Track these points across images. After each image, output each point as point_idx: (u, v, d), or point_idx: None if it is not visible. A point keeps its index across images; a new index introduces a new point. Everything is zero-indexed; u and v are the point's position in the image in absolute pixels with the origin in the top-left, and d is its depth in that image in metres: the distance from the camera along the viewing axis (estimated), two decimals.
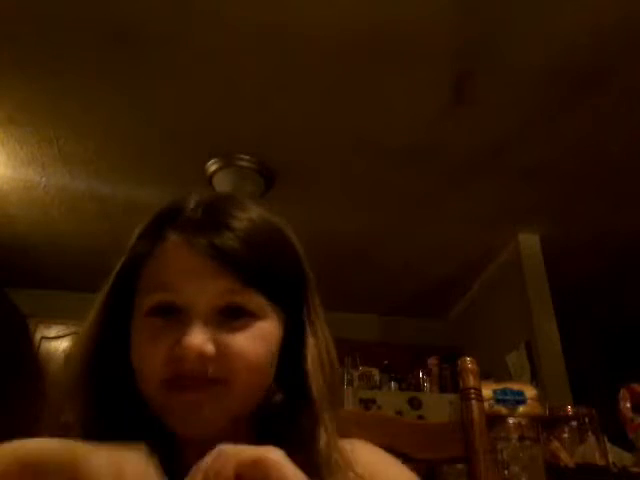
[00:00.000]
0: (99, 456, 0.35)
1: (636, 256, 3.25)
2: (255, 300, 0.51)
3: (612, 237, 3.15)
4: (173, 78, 2.21)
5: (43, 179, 2.78)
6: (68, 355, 0.55)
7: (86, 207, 3.01)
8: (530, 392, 1.48)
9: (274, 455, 0.35)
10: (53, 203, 2.98)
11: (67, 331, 3.46)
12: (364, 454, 0.54)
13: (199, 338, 0.47)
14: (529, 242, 3.19)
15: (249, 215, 0.54)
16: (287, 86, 2.24)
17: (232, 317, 0.50)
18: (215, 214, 0.53)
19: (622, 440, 1.50)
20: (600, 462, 1.29)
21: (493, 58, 2.09)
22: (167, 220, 0.53)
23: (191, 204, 0.54)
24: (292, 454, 0.45)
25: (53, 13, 1.93)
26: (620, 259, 3.35)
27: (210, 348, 0.48)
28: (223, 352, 0.48)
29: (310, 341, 0.55)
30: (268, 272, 0.52)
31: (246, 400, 0.51)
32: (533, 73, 2.16)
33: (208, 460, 0.35)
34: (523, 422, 1.29)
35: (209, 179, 2.71)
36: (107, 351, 0.53)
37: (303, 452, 0.47)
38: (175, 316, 0.49)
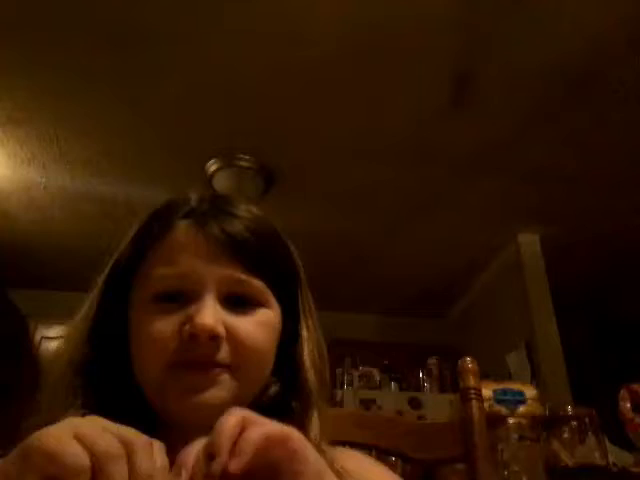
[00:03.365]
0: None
1: (636, 256, 3.25)
2: (259, 288, 0.52)
3: (612, 237, 3.15)
4: (173, 78, 2.21)
5: (43, 179, 2.78)
6: (56, 352, 0.55)
7: (86, 207, 3.01)
8: (530, 392, 1.48)
9: (299, 436, 0.36)
10: (53, 203, 2.98)
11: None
12: (351, 461, 0.54)
13: (212, 318, 0.47)
14: (529, 242, 3.19)
15: (250, 208, 0.57)
16: (287, 86, 2.24)
17: (238, 303, 0.51)
18: (221, 205, 0.55)
19: (622, 440, 1.50)
20: (600, 462, 1.29)
21: (493, 58, 2.10)
22: (173, 211, 0.54)
23: (194, 198, 0.56)
24: None
25: (53, 13, 1.93)
26: (620, 259, 3.35)
27: (222, 329, 0.48)
28: (231, 335, 0.49)
29: (304, 334, 0.56)
30: (270, 261, 0.53)
31: (248, 388, 0.51)
32: (533, 73, 2.16)
33: (229, 423, 0.34)
34: (523, 422, 1.30)
35: (209, 179, 2.71)
36: (98, 344, 0.52)
37: None
38: (183, 301, 0.50)
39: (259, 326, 0.51)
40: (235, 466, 0.32)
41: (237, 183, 2.70)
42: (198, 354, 0.47)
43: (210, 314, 0.47)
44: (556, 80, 2.19)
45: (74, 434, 0.33)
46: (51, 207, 3.01)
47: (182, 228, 0.52)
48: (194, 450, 0.35)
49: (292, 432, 0.35)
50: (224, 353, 0.48)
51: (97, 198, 2.92)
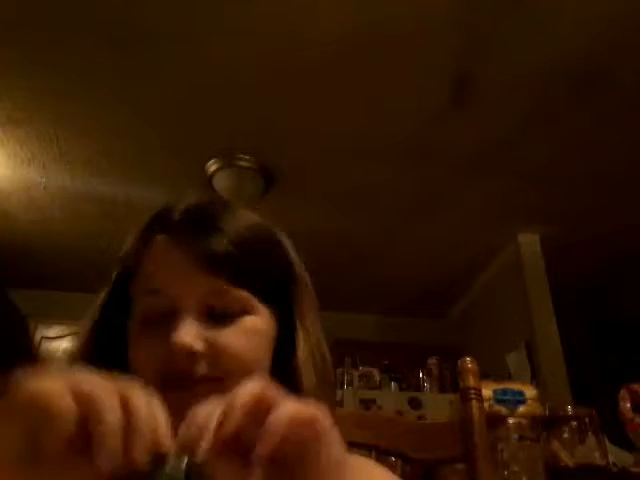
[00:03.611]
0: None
1: (636, 256, 3.25)
2: (242, 297, 0.51)
3: (612, 237, 3.15)
4: (173, 78, 2.21)
5: (43, 179, 2.78)
6: (69, 355, 0.55)
7: (86, 207, 3.01)
8: (530, 392, 1.48)
9: (326, 418, 0.35)
10: (53, 203, 2.98)
11: (67, 331, 3.46)
12: (355, 462, 0.54)
13: (189, 335, 0.47)
14: (529, 242, 3.19)
15: (235, 217, 0.55)
16: (287, 86, 2.24)
17: (220, 315, 0.50)
18: (202, 216, 0.54)
19: (622, 440, 1.50)
20: (600, 462, 1.29)
21: (493, 58, 2.10)
22: (156, 224, 0.54)
23: (180, 207, 0.55)
24: None
25: (53, 13, 1.93)
26: (620, 259, 3.35)
27: (199, 345, 0.48)
28: (212, 349, 0.48)
29: (300, 336, 0.55)
30: (254, 271, 0.52)
31: None
32: (533, 73, 2.16)
33: (246, 392, 0.34)
34: (523, 422, 1.30)
35: (209, 179, 2.71)
36: (104, 351, 0.53)
37: None
38: (167, 321, 0.49)
39: (243, 334, 0.50)
40: (261, 452, 0.32)
41: (237, 183, 2.70)
42: (178, 371, 0.47)
43: (186, 332, 0.47)
44: (556, 80, 2.19)
45: (67, 384, 0.32)
46: (51, 207, 3.01)
47: (159, 243, 0.52)
48: (206, 410, 0.34)
49: (319, 413, 0.34)
50: (204, 368, 0.48)
51: (97, 198, 2.92)
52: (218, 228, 0.52)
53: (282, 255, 0.58)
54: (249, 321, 0.51)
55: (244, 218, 0.56)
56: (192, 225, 0.53)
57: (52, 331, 3.53)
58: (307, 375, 0.53)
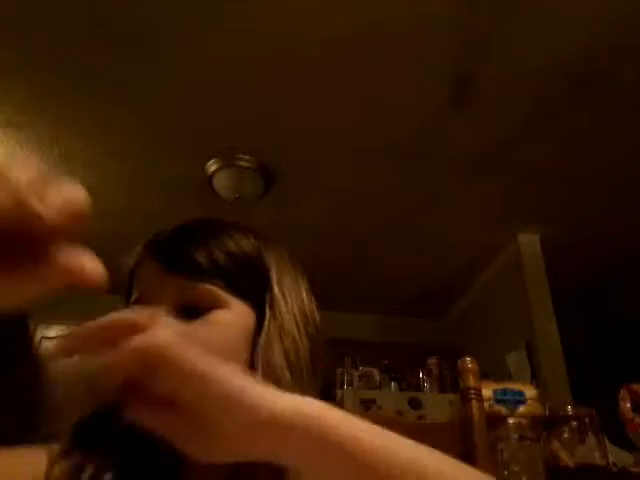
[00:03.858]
0: None
1: (636, 256, 3.25)
2: (208, 292, 0.53)
3: (612, 237, 3.15)
4: (173, 78, 2.21)
5: None
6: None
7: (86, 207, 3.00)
8: (530, 392, 1.48)
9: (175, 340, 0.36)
10: None
11: (67, 331, 3.45)
12: None
13: None
14: (529, 242, 3.19)
15: (209, 227, 0.60)
16: (287, 86, 2.24)
17: (190, 313, 0.52)
18: (177, 232, 0.60)
19: (622, 440, 1.50)
20: (600, 462, 1.29)
21: (493, 58, 2.10)
22: (145, 249, 0.60)
23: (165, 232, 0.60)
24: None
25: (53, 14, 1.93)
26: (620, 259, 3.35)
27: None
28: None
29: (267, 333, 0.55)
30: (217, 266, 0.54)
31: None
32: (533, 73, 2.16)
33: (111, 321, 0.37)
34: (523, 422, 1.29)
35: (209, 179, 2.71)
36: None
37: None
38: None
39: (211, 327, 0.52)
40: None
41: (237, 183, 2.70)
42: None
43: None
44: (556, 80, 2.19)
45: None
46: None
47: (140, 259, 0.58)
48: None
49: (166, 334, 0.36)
50: None
51: (97, 198, 2.92)
52: (188, 237, 0.57)
53: (252, 253, 0.59)
54: (217, 314, 0.52)
55: (219, 226, 0.60)
56: (167, 239, 0.58)
57: (52, 331, 3.53)
58: (272, 375, 0.52)
